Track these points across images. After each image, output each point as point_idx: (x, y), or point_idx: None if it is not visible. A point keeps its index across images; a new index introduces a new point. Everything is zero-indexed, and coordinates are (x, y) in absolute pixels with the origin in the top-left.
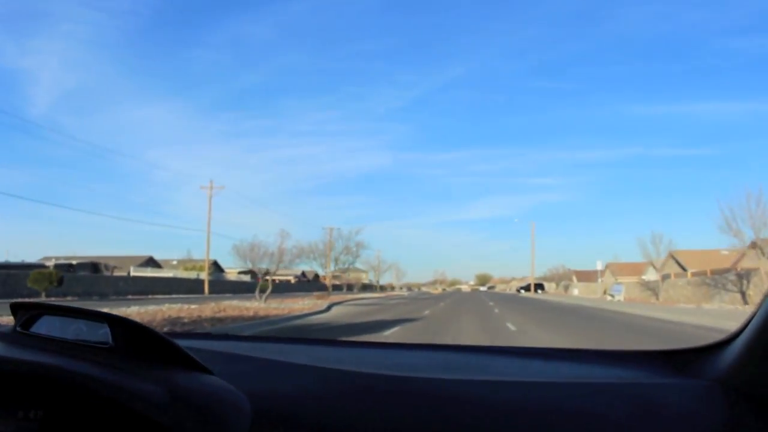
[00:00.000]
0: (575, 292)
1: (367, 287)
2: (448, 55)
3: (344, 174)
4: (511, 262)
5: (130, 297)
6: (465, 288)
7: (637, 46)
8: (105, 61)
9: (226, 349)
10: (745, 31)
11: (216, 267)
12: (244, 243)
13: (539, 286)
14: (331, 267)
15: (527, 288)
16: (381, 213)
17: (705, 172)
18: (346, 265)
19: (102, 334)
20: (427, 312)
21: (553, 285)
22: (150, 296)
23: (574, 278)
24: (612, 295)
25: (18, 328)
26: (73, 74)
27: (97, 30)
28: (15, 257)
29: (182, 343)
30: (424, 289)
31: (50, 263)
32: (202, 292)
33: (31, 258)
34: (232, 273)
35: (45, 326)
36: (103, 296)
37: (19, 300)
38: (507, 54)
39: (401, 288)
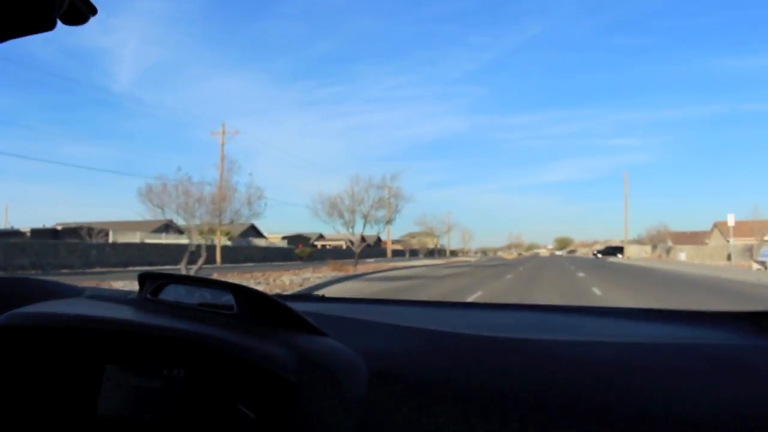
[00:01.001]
0: (681, 256)
1: (434, 253)
2: (521, 14)
3: (419, 139)
4: (593, 224)
5: (98, 269)
6: (543, 252)
7: None
8: (182, 35)
9: (336, 311)
10: None
11: (254, 231)
12: (158, 182)
13: (616, 250)
14: (359, 227)
15: (608, 252)
16: (456, 178)
17: None
18: (381, 224)
19: (225, 300)
20: (480, 293)
21: (648, 249)
22: (130, 268)
23: (669, 240)
24: (764, 263)
25: (148, 296)
26: (152, 50)
27: (174, 5)
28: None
29: (295, 306)
30: (499, 254)
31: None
32: (213, 261)
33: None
34: (275, 238)
35: (172, 294)
36: (57, 268)
37: (147, 269)
38: (582, 11)
39: (475, 253)
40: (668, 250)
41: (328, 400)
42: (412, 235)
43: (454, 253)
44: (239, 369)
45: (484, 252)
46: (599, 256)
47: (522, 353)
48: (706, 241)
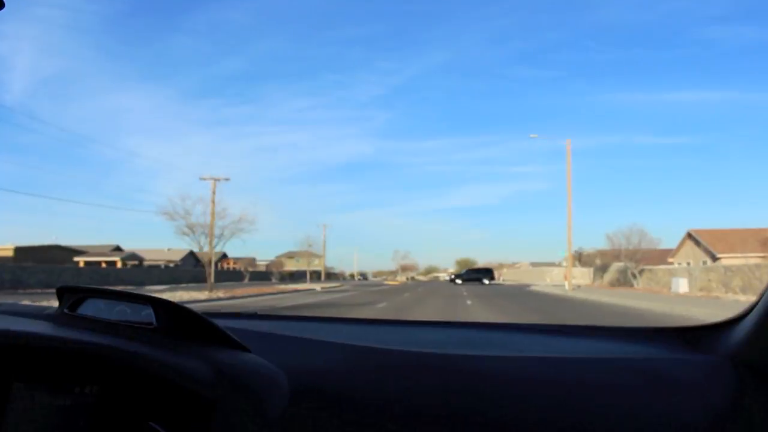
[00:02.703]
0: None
1: (297, 275)
2: (429, 41)
3: (326, 162)
4: (499, 248)
5: None
6: (443, 276)
7: (619, 34)
8: (83, 47)
9: (259, 327)
10: (725, 20)
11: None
12: None
13: (482, 273)
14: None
15: (470, 276)
16: (363, 201)
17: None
18: (222, 241)
19: (145, 315)
20: None
21: (587, 272)
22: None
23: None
24: None
25: (65, 310)
26: (49, 60)
27: (73, 15)
28: None
29: (218, 322)
30: (379, 278)
31: None
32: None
33: None
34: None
35: (91, 308)
36: None
37: (65, 285)
38: (488, 41)
39: (357, 276)
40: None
41: (246, 416)
42: (291, 255)
43: (332, 276)
44: (153, 385)
45: (363, 276)
46: (458, 282)
47: (448, 369)
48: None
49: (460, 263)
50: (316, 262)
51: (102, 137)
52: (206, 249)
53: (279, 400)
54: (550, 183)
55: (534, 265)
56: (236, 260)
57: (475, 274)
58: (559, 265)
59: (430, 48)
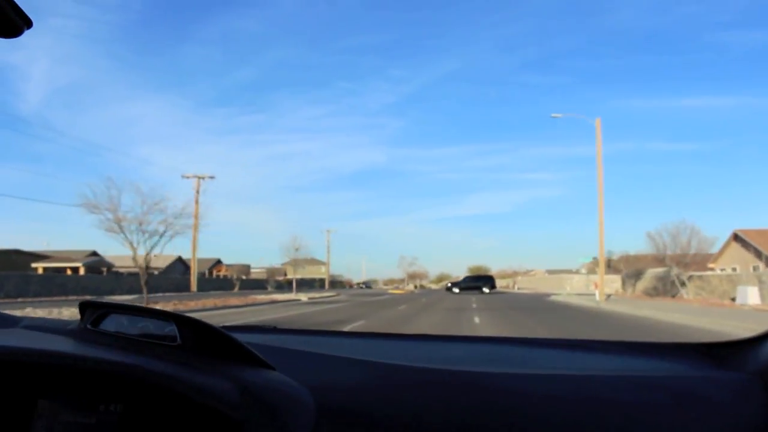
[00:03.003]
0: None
1: (300, 284)
2: (440, 49)
3: (338, 170)
4: (514, 255)
5: None
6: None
7: (631, 40)
8: (96, 56)
9: (280, 343)
10: (737, 25)
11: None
12: None
13: (482, 281)
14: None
15: (469, 285)
16: (374, 209)
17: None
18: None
19: (169, 331)
20: None
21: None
22: None
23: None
24: None
25: (88, 326)
26: (64, 70)
27: (88, 25)
28: None
29: (244, 337)
30: (388, 287)
31: None
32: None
33: None
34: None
35: (113, 324)
36: None
37: (88, 299)
38: (499, 48)
39: (360, 285)
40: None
41: None
42: (294, 262)
43: (336, 284)
44: (179, 404)
45: (366, 284)
46: (455, 291)
47: (475, 387)
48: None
49: (472, 270)
50: (322, 269)
51: (114, 145)
52: (141, 250)
53: (305, 420)
54: (564, 190)
55: (550, 272)
56: (228, 267)
57: (474, 282)
58: (577, 272)
59: (442, 56)
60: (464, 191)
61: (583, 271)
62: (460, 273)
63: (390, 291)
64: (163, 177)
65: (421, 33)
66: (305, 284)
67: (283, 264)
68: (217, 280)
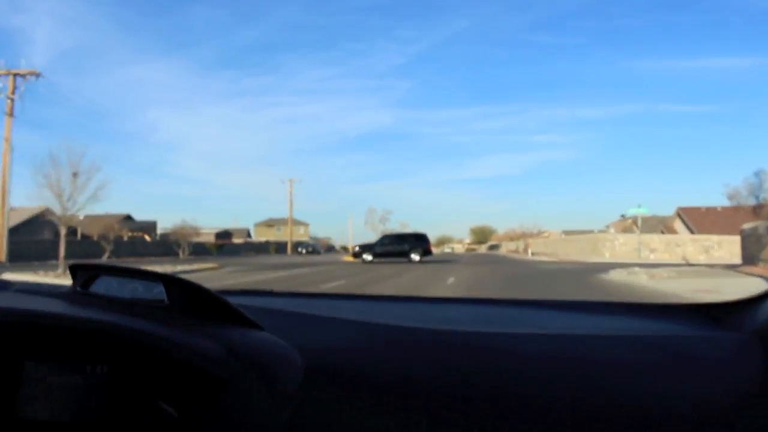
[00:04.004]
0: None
1: (250, 246)
2: (448, 9)
3: (345, 133)
4: (524, 217)
5: None
6: (458, 248)
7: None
8: (101, 18)
9: (274, 305)
10: None
11: None
12: None
13: (412, 240)
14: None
15: (384, 247)
16: (383, 172)
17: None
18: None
19: (157, 293)
20: None
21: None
22: None
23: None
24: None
25: (78, 288)
26: (68, 32)
27: None
28: None
29: (232, 299)
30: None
31: None
32: None
33: None
34: None
35: (103, 286)
36: None
37: (78, 261)
38: (508, 8)
39: (300, 250)
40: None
41: (258, 394)
42: (271, 223)
43: (308, 247)
44: (163, 363)
45: (311, 247)
46: (366, 258)
47: (467, 346)
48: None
49: (475, 231)
50: (301, 231)
51: (121, 110)
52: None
53: (292, 378)
54: (576, 152)
55: (567, 233)
56: (133, 227)
57: (395, 245)
58: (607, 231)
59: (451, 16)
60: (473, 154)
61: (612, 230)
62: (464, 236)
63: (345, 258)
64: (171, 142)
65: None
66: (282, 249)
67: (256, 225)
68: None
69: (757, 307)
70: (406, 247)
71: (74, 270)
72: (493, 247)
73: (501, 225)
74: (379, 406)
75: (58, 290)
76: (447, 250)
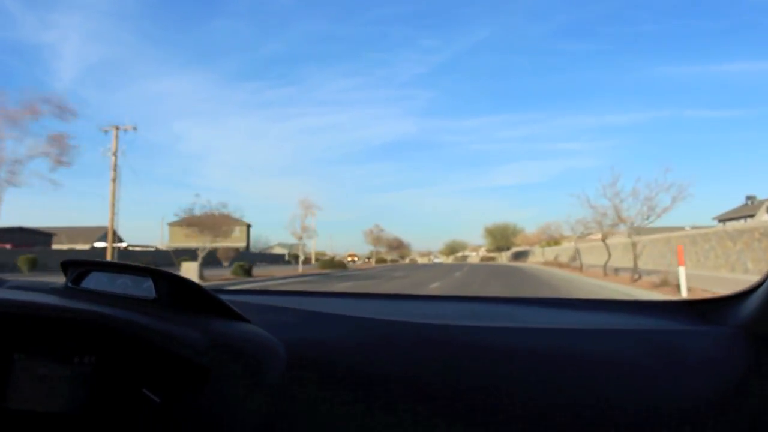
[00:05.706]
0: None
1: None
2: (471, 18)
3: (369, 142)
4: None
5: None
6: (473, 257)
7: (668, 3)
8: (127, 33)
9: (263, 302)
10: None
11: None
12: None
13: None
14: None
15: None
16: (406, 181)
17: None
18: None
19: (146, 287)
20: None
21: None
22: None
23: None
24: None
25: (69, 284)
26: (95, 47)
27: (117, 1)
28: None
29: (224, 297)
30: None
31: None
32: None
33: None
34: None
35: (94, 282)
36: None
37: (70, 258)
38: (530, 16)
39: (356, 259)
40: None
41: (240, 383)
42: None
43: (308, 261)
44: (148, 353)
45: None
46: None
47: (450, 340)
48: None
49: (492, 233)
50: (313, 242)
51: (145, 122)
52: None
53: (276, 369)
54: (600, 159)
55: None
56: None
57: None
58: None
59: (473, 25)
60: (497, 162)
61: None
62: (480, 242)
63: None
64: (196, 152)
65: (451, 1)
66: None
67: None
68: None
69: (742, 302)
70: None
71: (65, 266)
72: (519, 256)
73: (529, 225)
74: (363, 397)
75: (50, 286)
76: (437, 260)
